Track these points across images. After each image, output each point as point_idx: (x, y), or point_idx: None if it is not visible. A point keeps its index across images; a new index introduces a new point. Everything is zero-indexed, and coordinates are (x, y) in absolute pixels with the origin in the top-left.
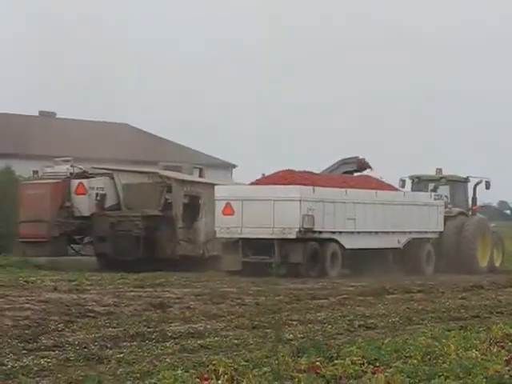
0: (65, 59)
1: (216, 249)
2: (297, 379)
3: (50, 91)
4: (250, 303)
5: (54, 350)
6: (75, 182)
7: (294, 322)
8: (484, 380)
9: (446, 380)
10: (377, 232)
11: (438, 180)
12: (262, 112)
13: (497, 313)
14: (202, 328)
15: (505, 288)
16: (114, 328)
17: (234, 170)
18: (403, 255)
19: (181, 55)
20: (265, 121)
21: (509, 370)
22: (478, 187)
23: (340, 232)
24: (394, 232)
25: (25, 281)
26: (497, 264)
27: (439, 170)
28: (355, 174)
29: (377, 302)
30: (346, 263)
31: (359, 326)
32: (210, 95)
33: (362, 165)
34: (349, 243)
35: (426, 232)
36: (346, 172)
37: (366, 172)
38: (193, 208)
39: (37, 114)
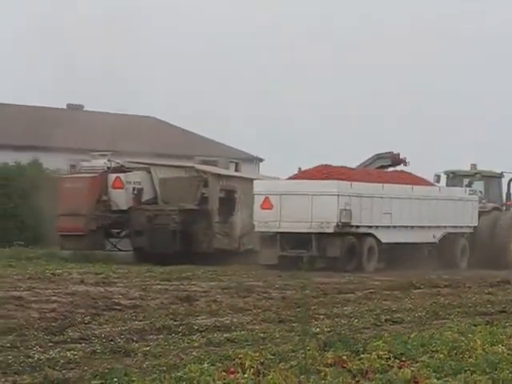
0: (92, 52)
1: (251, 242)
2: (323, 373)
3: (77, 84)
4: (276, 297)
5: (80, 343)
6: (112, 176)
7: (321, 316)
8: (510, 375)
9: (472, 375)
10: (413, 226)
11: (473, 175)
12: (285, 107)
13: None
14: (228, 321)
15: None
16: (141, 321)
17: (260, 163)
18: (438, 250)
19: (205, 48)
20: (289, 116)
21: None
22: None
23: (377, 226)
24: (429, 227)
25: (52, 273)
26: None
27: (474, 166)
28: (389, 169)
29: (403, 297)
30: (381, 257)
31: (386, 320)
32: (235, 88)
33: (397, 160)
34: (385, 237)
35: (460, 227)
36: (380, 167)
37: (401, 167)
38: (229, 202)
39: (64, 107)
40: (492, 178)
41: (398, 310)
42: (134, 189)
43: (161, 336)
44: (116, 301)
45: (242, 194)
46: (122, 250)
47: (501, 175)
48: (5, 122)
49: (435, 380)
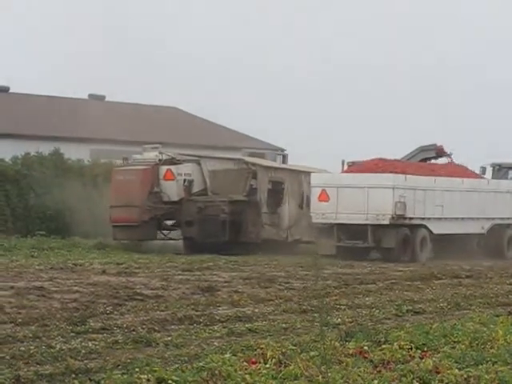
0: (114, 43)
1: (299, 233)
2: (345, 363)
3: (99, 74)
4: (298, 287)
5: (102, 333)
6: (164, 169)
7: (342, 307)
8: None
9: (493, 365)
10: (463, 218)
11: None
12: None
13: None
14: (249, 312)
15: None
16: (162, 311)
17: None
18: (486, 240)
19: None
20: (310, 107)
21: None
22: None
23: (429, 218)
24: (478, 218)
25: (73, 264)
26: None
27: None
28: (432, 161)
29: (425, 287)
30: (433, 248)
31: (407, 310)
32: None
33: (440, 152)
34: (437, 229)
35: (508, 218)
36: (424, 159)
37: (446, 159)
38: (277, 193)
39: (86, 97)
40: None
41: (420, 301)
42: (184, 180)
43: (182, 326)
44: (138, 291)
45: (289, 185)
46: (172, 239)
47: None
48: (27, 112)
49: (457, 370)
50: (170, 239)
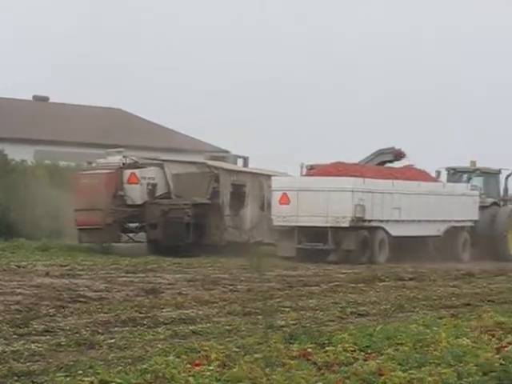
0: (58, 43)
1: (260, 235)
2: (288, 366)
3: (43, 76)
4: (241, 289)
5: (45, 335)
6: (127, 172)
7: (286, 309)
8: (475, 368)
9: (436, 367)
10: (419, 220)
11: (473, 172)
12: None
13: (488, 301)
14: (193, 314)
15: (496, 276)
16: (106, 313)
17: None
18: (442, 242)
19: (177, 39)
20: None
21: (499, 358)
22: (509, 178)
23: (387, 221)
24: (434, 221)
25: (16, 265)
26: None
27: (473, 163)
28: (390, 164)
29: (368, 289)
30: (391, 250)
31: (351, 312)
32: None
33: (399, 155)
34: (395, 231)
35: (463, 221)
36: (382, 162)
37: (404, 162)
38: (238, 196)
39: (30, 99)
40: (490, 175)
41: (363, 303)
42: (148, 184)
43: (126, 328)
44: (81, 293)
45: (251, 188)
46: (136, 242)
47: (499, 172)
48: None
49: (400, 372)
50: (135, 241)
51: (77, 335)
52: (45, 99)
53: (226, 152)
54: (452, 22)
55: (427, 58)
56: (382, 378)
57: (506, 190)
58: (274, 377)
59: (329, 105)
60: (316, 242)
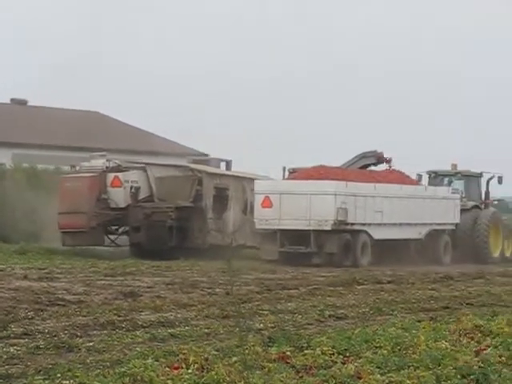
0: (37, 46)
1: (243, 238)
2: (267, 369)
3: (21, 79)
4: (220, 293)
5: (23, 338)
6: (111, 176)
7: (265, 312)
8: (453, 371)
9: (415, 370)
10: (401, 224)
11: (454, 175)
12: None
13: (466, 304)
14: (172, 317)
15: (474, 279)
16: (84, 316)
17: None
18: (423, 246)
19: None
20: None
21: (478, 361)
22: (490, 182)
23: (369, 224)
24: (416, 224)
25: None
26: (507, 254)
27: (455, 166)
28: (373, 167)
29: (347, 293)
30: (374, 253)
31: (329, 316)
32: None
33: (381, 158)
34: (377, 234)
35: (444, 224)
36: (364, 165)
37: (386, 166)
38: (221, 199)
39: (8, 102)
40: (472, 178)
41: (342, 306)
42: (131, 187)
43: (104, 331)
44: (59, 296)
45: (233, 191)
46: (120, 246)
47: (480, 175)
48: None
49: (379, 376)
50: (118, 245)
51: (55, 338)
52: (23, 102)
53: (205, 155)
54: (452, 21)
55: (427, 58)
56: (361, 381)
57: (487, 193)
58: (252, 380)
59: (329, 105)
60: (298, 246)
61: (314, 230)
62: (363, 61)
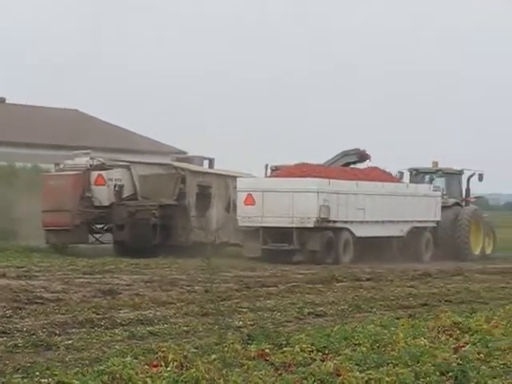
0: (16, 45)
1: (226, 236)
2: (246, 366)
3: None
4: (199, 290)
5: (2, 337)
6: (95, 174)
7: (244, 310)
8: (432, 368)
9: (394, 368)
10: (383, 221)
11: (435, 172)
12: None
13: (445, 301)
14: (151, 315)
15: (453, 276)
16: (63, 314)
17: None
18: (405, 243)
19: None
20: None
21: (457, 358)
22: (471, 179)
23: (352, 221)
24: (398, 221)
25: None
26: (488, 251)
27: (436, 163)
28: (353, 166)
29: (326, 290)
30: (356, 250)
31: (308, 313)
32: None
33: (363, 156)
34: (359, 232)
35: (425, 221)
36: (347, 163)
37: (366, 163)
38: (204, 197)
39: None
40: (453, 175)
41: (321, 304)
42: (115, 185)
43: (83, 329)
44: (38, 294)
45: (216, 189)
46: (104, 244)
47: (461, 172)
48: None
49: (358, 373)
50: (102, 243)
51: (34, 337)
52: (1, 100)
53: (184, 153)
54: (452, 21)
55: (427, 57)
56: (340, 378)
57: (467, 190)
58: (231, 377)
59: (329, 105)
60: (281, 243)
61: (296, 228)
62: (363, 61)
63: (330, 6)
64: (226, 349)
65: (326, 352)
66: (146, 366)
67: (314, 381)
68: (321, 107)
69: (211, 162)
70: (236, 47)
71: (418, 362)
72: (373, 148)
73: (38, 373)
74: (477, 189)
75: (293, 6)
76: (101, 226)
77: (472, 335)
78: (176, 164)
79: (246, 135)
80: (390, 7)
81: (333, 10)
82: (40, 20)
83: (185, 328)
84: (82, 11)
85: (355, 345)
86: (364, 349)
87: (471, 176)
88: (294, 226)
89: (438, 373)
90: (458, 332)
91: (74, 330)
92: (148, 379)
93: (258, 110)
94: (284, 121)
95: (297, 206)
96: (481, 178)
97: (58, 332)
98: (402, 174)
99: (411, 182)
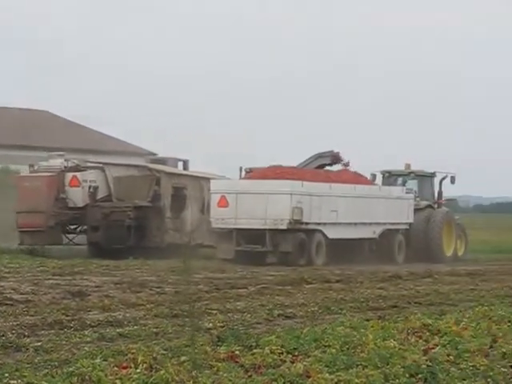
0: None
1: (201, 237)
2: (216, 368)
3: None
4: (169, 292)
5: None
6: (69, 175)
7: (214, 311)
8: (402, 369)
9: (364, 369)
10: (356, 223)
11: (407, 175)
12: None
13: (414, 303)
14: (120, 316)
15: (422, 278)
16: (32, 316)
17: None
18: (378, 245)
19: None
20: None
21: (426, 360)
22: (443, 182)
23: (324, 223)
24: (370, 223)
25: None
26: (460, 253)
27: (408, 166)
28: (327, 168)
29: (296, 292)
30: (328, 252)
31: (278, 315)
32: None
33: (336, 158)
34: (332, 233)
35: (398, 223)
36: (320, 165)
37: (341, 166)
38: (179, 199)
39: None
40: (425, 178)
41: (291, 305)
42: (90, 187)
43: (52, 331)
44: (7, 296)
45: (191, 191)
46: (78, 245)
47: (433, 175)
48: None
49: (327, 374)
50: (76, 244)
51: (3, 338)
52: None
53: (154, 154)
54: (452, 22)
55: (427, 57)
56: (310, 380)
57: (440, 192)
58: (201, 379)
59: (329, 105)
60: (254, 244)
61: (269, 229)
62: (363, 61)
63: (330, 5)
64: (195, 351)
65: (296, 354)
66: (116, 368)
67: (284, 382)
68: (321, 107)
69: (186, 163)
70: (236, 47)
71: (388, 364)
72: (373, 148)
73: (7, 374)
74: (448, 191)
75: (293, 6)
76: (75, 227)
77: (441, 337)
78: (151, 166)
79: (246, 135)
80: (390, 7)
81: (333, 10)
82: (40, 20)
83: (154, 330)
84: (81, 11)
85: (325, 346)
86: (334, 350)
87: (443, 178)
88: (267, 227)
89: (407, 375)
90: (427, 334)
91: (43, 331)
92: (117, 381)
93: (258, 110)
94: (284, 121)
95: (270, 207)
96: (453, 180)
97: (27, 333)
98: (374, 176)
99: (384, 184)
